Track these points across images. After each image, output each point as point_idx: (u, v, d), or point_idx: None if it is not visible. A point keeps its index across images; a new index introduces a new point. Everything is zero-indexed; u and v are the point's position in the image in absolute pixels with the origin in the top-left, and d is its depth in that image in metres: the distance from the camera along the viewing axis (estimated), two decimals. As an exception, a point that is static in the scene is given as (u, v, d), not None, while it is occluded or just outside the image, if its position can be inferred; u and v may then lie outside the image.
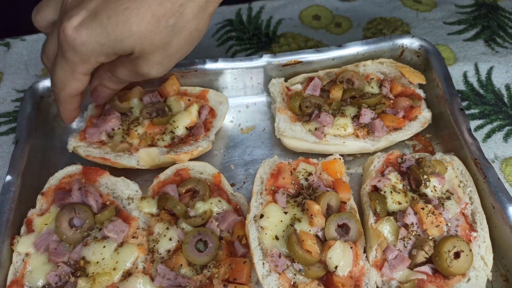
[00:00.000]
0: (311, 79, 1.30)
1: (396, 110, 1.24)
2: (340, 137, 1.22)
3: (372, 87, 1.28)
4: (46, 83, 1.27)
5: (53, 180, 1.14)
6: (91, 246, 1.02)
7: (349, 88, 1.28)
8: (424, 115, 1.25)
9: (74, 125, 1.35)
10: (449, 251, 0.99)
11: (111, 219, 1.07)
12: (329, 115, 1.21)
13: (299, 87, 1.30)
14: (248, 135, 1.34)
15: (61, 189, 1.12)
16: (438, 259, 0.99)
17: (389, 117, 1.22)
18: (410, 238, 1.03)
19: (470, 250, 0.99)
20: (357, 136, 1.22)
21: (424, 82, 1.27)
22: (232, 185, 1.24)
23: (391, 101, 1.27)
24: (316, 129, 1.21)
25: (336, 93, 1.26)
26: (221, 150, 1.31)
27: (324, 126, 1.21)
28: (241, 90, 1.39)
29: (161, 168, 1.21)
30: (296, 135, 1.22)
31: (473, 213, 1.07)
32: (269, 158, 1.18)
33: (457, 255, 0.99)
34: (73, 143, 1.20)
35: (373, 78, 1.30)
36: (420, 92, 1.28)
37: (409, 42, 1.32)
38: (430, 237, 1.03)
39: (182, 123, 1.23)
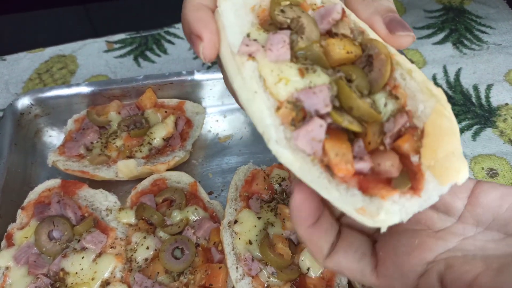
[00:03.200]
0: None
1: None
2: None
3: None
4: (25, 100, 1.30)
5: (33, 195, 1.17)
6: (70, 257, 1.05)
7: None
8: None
9: (55, 140, 1.38)
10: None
11: (89, 230, 1.09)
12: None
13: None
14: (225, 144, 1.37)
15: (40, 203, 1.15)
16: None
17: None
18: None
19: None
20: None
21: None
22: (210, 193, 1.27)
23: None
24: None
25: None
26: (199, 160, 1.34)
27: None
28: (218, 100, 1.43)
29: (140, 179, 1.24)
30: None
31: None
32: (244, 165, 1.21)
33: None
34: (52, 158, 1.23)
35: None
36: None
37: (378, 48, 1.36)
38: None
39: (159, 134, 1.26)
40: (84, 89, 1.31)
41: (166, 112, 1.32)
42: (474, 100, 1.39)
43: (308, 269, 1.00)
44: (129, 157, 1.23)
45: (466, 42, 1.55)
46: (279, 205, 1.07)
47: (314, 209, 0.60)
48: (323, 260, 0.63)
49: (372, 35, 0.61)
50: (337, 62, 0.60)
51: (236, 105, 1.42)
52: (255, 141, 1.36)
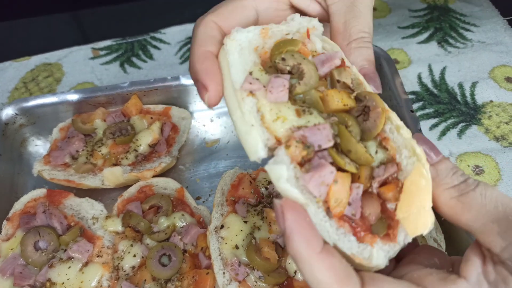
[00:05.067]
0: None
1: None
2: None
3: None
4: (9, 111, 1.29)
5: (18, 205, 1.16)
6: (57, 268, 1.04)
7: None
8: None
9: (41, 149, 1.37)
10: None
11: (76, 239, 1.09)
12: None
13: None
14: (213, 148, 1.37)
15: (26, 213, 1.14)
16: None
17: None
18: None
19: (423, 237, 1.03)
20: None
21: None
22: (198, 198, 1.26)
23: None
24: None
25: None
26: (186, 165, 1.34)
27: None
28: (204, 105, 1.42)
29: (126, 186, 1.23)
30: None
31: None
32: (230, 169, 1.21)
33: None
34: (37, 167, 1.22)
35: None
36: None
37: (362, 49, 1.36)
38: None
39: (145, 140, 1.26)
40: (69, 97, 1.31)
41: (152, 118, 1.31)
42: (459, 98, 1.40)
43: (295, 272, 1.00)
44: (115, 164, 1.23)
45: (450, 40, 1.55)
46: (266, 209, 1.07)
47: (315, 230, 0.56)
48: None
49: (368, 88, 0.68)
50: (333, 110, 0.65)
51: (223, 110, 1.43)
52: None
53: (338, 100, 0.64)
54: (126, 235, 1.11)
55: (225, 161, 1.34)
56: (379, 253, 0.60)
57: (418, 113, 1.37)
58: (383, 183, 0.63)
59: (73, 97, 1.31)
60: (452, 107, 1.38)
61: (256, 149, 0.60)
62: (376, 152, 0.64)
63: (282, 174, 0.57)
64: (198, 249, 1.09)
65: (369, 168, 0.62)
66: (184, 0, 1.91)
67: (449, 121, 1.34)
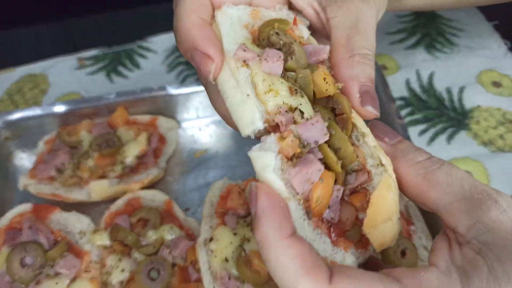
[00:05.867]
0: None
1: None
2: None
3: None
4: (-7, 125, 1.27)
5: (4, 221, 1.14)
6: (44, 284, 1.02)
7: None
8: None
9: (27, 162, 1.35)
10: (395, 252, 1.01)
11: (63, 255, 1.07)
12: None
13: None
14: (201, 158, 1.36)
15: (12, 229, 1.12)
16: (388, 263, 1.02)
17: None
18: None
19: (413, 245, 1.02)
20: None
21: None
22: (187, 209, 1.25)
23: None
24: None
25: None
26: (175, 176, 1.33)
27: None
28: (192, 114, 1.42)
29: (115, 199, 1.21)
30: None
31: (406, 208, 1.11)
32: (218, 180, 1.20)
33: (403, 253, 1.01)
34: (23, 181, 1.20)
35: None
36: None
37: (350, 56, 1.36)
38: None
39: (132, 152, 1.24)
40: (54, 109, 1.29)
41: (138, 129, 1.30)
42: (447, 103, 1.40)
43: (285, 284, 0.99)
44: (102, 177, 1.21)
45: (438, 45, 1.56)
46: (255, 220, 1.06)
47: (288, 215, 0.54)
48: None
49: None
50: (318, 93, 0.62)
51: (211, 119, 1.42)
52: (231, 154, 1.35)
53: (325, 77, 0.62)
54: (114, 249, 1.10)
55: (214, 171, 1.33)
56: (350, 258, 0.59)
57: (407, 119, 1.37)
58: (353, 192, 0.61)
59: (58, 109, 1.29)
60: (440, 112, 1.38)
61: (253, 119, 0.57)
62: None
63: (270, 163, 0.54)
64: (187, 262, 1.07)
65: (344, 173, 0.61)
66: (171, 8, 1.90)
67: (438, 127, 1.35)
